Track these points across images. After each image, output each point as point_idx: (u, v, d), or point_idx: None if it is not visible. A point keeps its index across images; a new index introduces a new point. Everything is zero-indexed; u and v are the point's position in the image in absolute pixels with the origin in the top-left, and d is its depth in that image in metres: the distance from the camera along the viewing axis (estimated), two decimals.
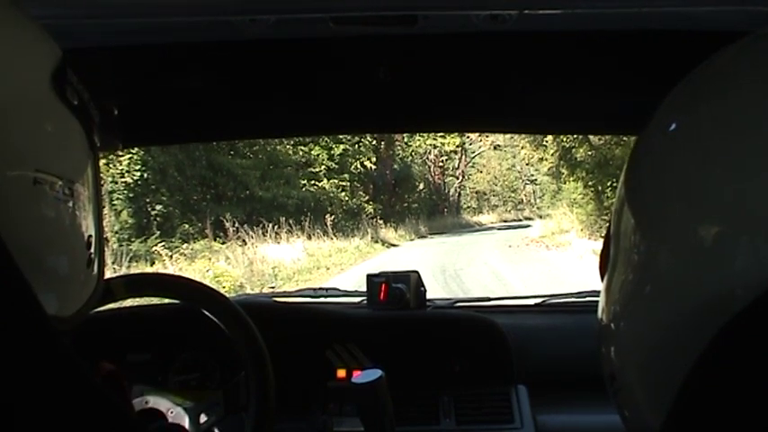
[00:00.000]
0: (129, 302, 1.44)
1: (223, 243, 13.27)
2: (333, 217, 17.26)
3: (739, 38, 0.61)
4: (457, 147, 29.39)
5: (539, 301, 1.96)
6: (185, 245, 12.95)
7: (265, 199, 17.05)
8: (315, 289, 2.04)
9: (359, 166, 20.96)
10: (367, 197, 22.03)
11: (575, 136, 14.21)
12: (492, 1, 1.02)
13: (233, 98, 1.40)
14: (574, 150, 15.80)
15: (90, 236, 0.70)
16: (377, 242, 17.62)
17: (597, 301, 1.84)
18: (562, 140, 15.47)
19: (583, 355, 1.62)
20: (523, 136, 17.55)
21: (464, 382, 1.65)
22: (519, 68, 1.32)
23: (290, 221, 15.22)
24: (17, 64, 0.60)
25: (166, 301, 1.39)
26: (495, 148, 33.86)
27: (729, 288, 0.51)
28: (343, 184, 20.32)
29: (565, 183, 18.74)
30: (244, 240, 13.13)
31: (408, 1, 1.05)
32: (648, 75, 1.23)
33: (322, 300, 1.96)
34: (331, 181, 19.93)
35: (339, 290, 2.03)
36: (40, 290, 0.56)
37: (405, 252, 16.24)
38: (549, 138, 15.69)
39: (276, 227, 14.62)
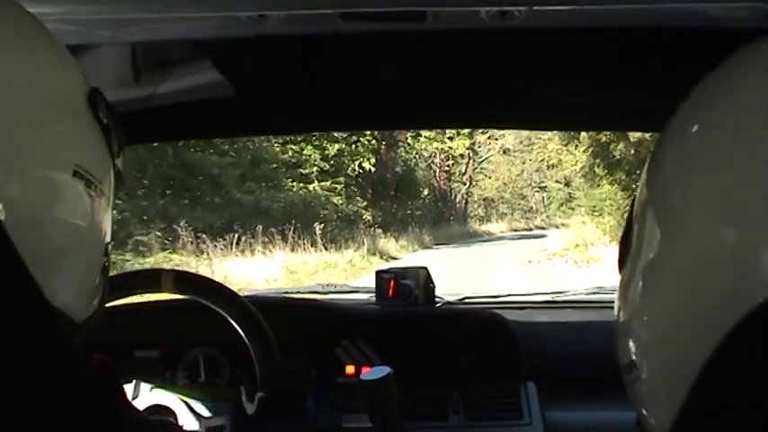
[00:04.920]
0: (135, 299, 1.55)
1: (199, 256, 12.81)
2: (323, 225, 16.79)
3: (756, 35, 0.67)
4: (467, 149, 29.27)
5: (548, 298, 2.12)
6: (141, 258, 12.18)
7: (246, 203, 16.48)
8: (324, 285, 2.23)
9: (356, 167, 20.68)
10: (365, 203, 21.70)
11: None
12: None
13: (241, 94, 1.50)
14: (612, 146, 15.40)
15: (108, 243, 0.79)
16: (374, 254, 17.15)
17: (606, 299, 1.98)
18: (597, 135, 15.14)
19: (592, 351, 1.78)
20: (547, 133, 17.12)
21: (473, 378, 1.79)
22: (528, 65, 1.42)
23: (272, 230, 14.68)
24: (61, 76, 0.74)
25: (174, 296, 1.49)
26: (504, 152, 33.92)
27: (746, 286, 0.56)
28: (338, 187, 19.98)
29: (599, 186, 18.30)
30: (207, 254, 12.71)
31: None
32: (661, 72, 1.33)
33: (331, 296, 2.13)
34: (323, 183, 19.53)
35: (348, 286, 2.21)
36: (57, 283, 0.67)
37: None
38: (584, 133, 15.31)
39: (250, 237, 14.01)
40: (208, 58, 1.41)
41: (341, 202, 20.19)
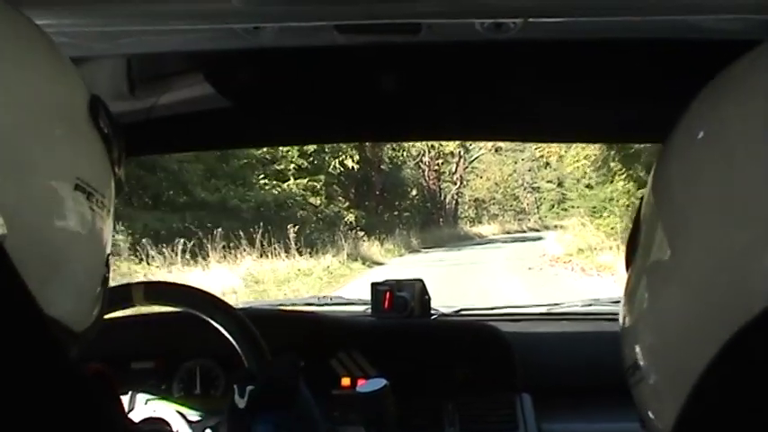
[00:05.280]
0: (131, 310, 1.66)
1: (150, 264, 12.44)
2: (297, 227, 16.40)
3: (751, 46, 0.71)
4: (458, 146, 29.25)
5: (544, 309, 2.29)
6: None
7: (211, 202, 16.04)
8: (319, 297, 2.42)
9: (338, 165, 20.54)
10: (347, 203, 21.56)
11: None
12: (496, 9, 1.16)
13: (237, 106, 1.62)
14: None
15: (108, 255, 0.85)
16: (355, 260, 16.96)
17: (602, 311, 2.13)
18: None
19: (588, 363, 1.93)
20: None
21: (468, 390, 1.94)
22: (525, 76, 1.53)
23: (239, 233, 14.22)
24: (63, 85, 0.79)
25: (169, 309, 1.60)
26: (495, 151, 34.13)
27: (754, 289, 0.60)
28: (317, 185, 19.72)
29: (611, 182, 17.91)
30: (149, 261, 12.29)
31: (412, 9, 1.18)
32: (657, 83, 1.45)
33: (326, 308, 2.30)
34: (299, 181, 19.19)
35: (343, 298, 2.43)
36: (57, 296, 0.71)
37: (391, 274, 14.45)
38: None
39: (208, 241, 13.43)
40: (204, 70, 1.51)
41: (320, 202, 20.03)
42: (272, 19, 1.19)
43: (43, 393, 0.57)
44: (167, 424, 1.50)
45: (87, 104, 0.80)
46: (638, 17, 1.17)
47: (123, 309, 1.55)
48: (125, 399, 1.58)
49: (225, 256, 13.80)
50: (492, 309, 2.36)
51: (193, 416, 1.56)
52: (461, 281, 12.51)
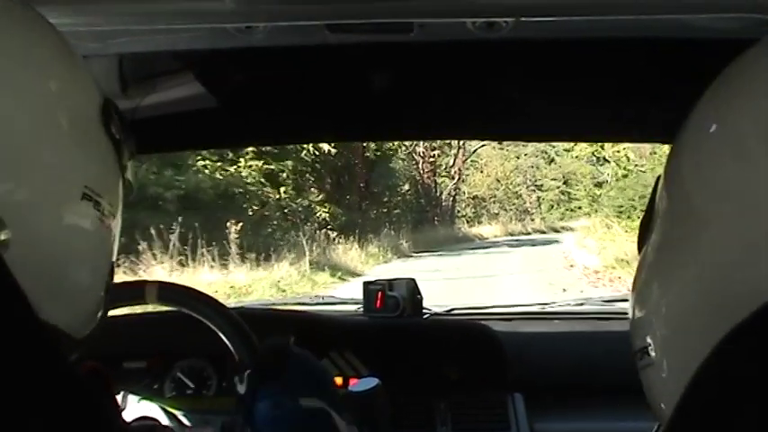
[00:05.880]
0: (125, 310, 1.87)
1: None
2: (240, 225, 14.54)
3: (747, 44, 0.80)
4: None
5: (536, 308, 2.57)
6: None
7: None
8: (311, 297, 2.75)
9: (311, 149, 18.98)
10: (321, 195, 20.37)
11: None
12: (488, 8, 1.27)
13: (229, 106, 1.82)
14: None
15: (113, 262, 0.93)
16: (323, 270, 15.25)
17: (593, 310, 2.43)
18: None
19: (580, 362, 2.16)
20: None
21: (460, 389, 2.20)
22: (517, 75, 1.70)
23: (152, 231, 12.61)
24: (76, 88, 0.87)
25: (162, 308, 1.76)
26: (497, 143, 34.19)
27: (757, 285, 0.66)
28: (273, 168, 18.05)
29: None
30: None
31: (404, 8, 1.30)
32: (651, 82, 1.62)
33: (318, 307, 2.58)
34: (253, 163, 17.40)
35: (335, 297, 2.73)
36: (61, 304, 0.79)
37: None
38: None
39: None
40: (196, 69, 1.70)
41: (284, 193, 18.93)
42: (264, 18, 1.32)
43: (42, 395, 0.62)
44: (159, 423, 1.70)
45: (99, 109, 0.88)
46: (631, 16, 1.28)
47: (132, 305, 1.70)
48: (117, 398, 1.77)
49: (119, 265, 11.65)
50: (484, 308, 2.63)
51: (184, 417, 1.76)
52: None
